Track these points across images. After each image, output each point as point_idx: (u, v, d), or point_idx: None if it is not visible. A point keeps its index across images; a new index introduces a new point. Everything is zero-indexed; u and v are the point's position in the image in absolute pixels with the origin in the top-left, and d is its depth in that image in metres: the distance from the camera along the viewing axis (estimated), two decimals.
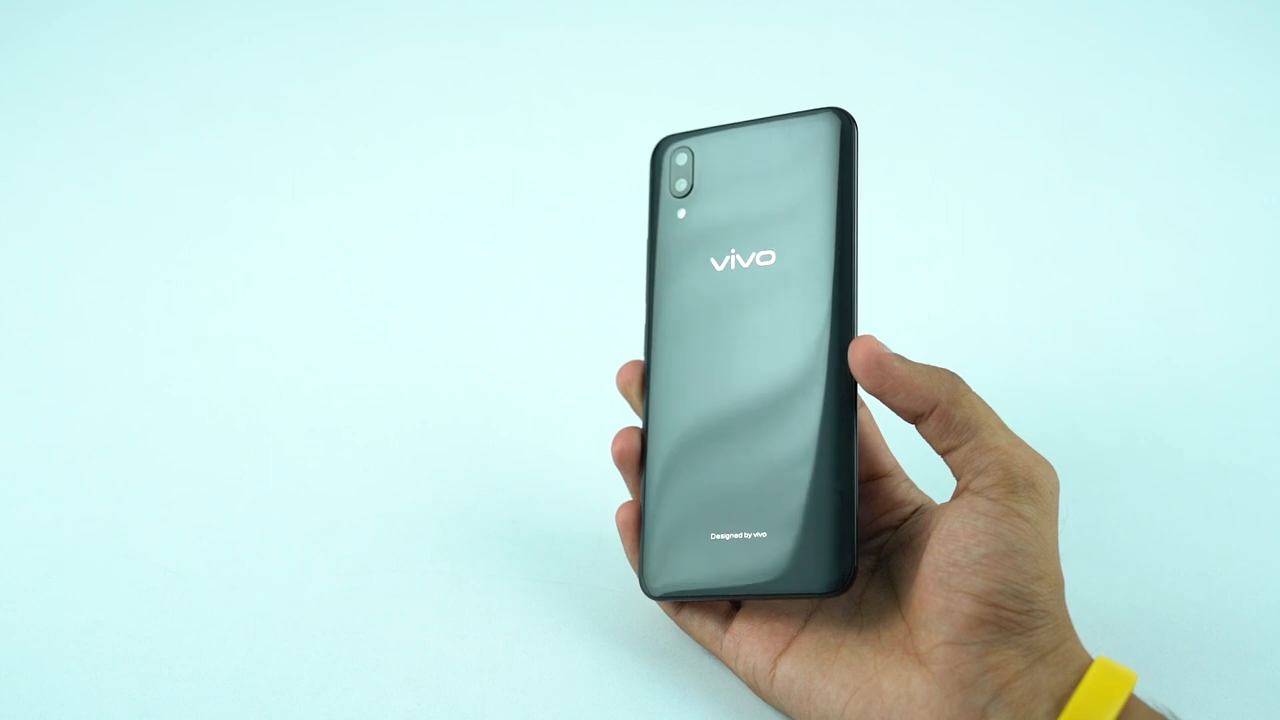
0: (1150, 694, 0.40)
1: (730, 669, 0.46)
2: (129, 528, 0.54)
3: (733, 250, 0.47)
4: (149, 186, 0.73)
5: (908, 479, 0.47)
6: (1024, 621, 0.39)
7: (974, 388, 0.43)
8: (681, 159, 0.48)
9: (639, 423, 0.48)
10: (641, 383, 0.47)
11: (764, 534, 0.43)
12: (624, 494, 0.51)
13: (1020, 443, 0.42)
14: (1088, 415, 0.58)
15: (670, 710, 0.46)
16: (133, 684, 0.47)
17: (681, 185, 0.48)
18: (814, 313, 0.44)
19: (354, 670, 0.48)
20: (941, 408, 0.42)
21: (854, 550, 0.42)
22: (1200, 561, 0.51)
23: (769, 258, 0.46)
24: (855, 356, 0.43)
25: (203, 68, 0.81)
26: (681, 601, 0.46)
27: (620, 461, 0.47)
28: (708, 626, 0.46)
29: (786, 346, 0.44)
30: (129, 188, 0.73)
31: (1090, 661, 0.40)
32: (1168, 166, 0.72)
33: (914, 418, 0.43)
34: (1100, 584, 0.49)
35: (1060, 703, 0.39)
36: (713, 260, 0.47)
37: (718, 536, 0.44)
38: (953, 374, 0.43)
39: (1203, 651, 0.47)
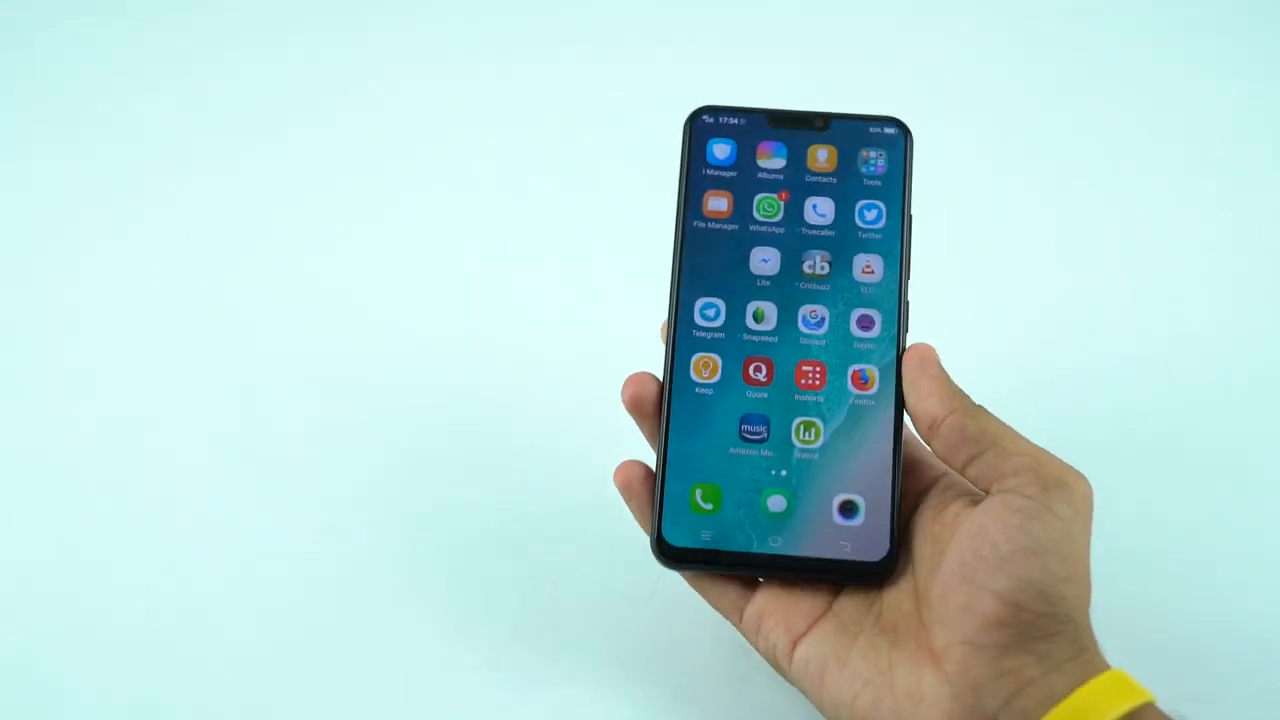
0: (1178, 709, 0.39)
1: (749, 642, 0.44)
2: (129, 528, 0.54)
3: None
4: (149, 186, 0.73)
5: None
6: (1045, 625, 0.38)
7: (974, 387, 0.43)
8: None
9: (648, 425, 0.45)
10: (656, 400, 0.44)
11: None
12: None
13: (1048, 452, 0.41)
14: (1088, 415, 0.58)
15: (671, 710, 0.46)
16: (133, 684, 0.47)
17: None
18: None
19: (354, 670, 0.48)
20: (957, 415, 0.42)
21: (897, 534, 0.43)
22: (1200, 561, 0.51)
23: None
24: (912, 354, 0.44)
25: (203, 68, 0.81)
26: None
27: (634, 407, 0.44)
28: (728, 595, 0.44)
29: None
30: (129, 187, 0.73)
31: (1106, 669, 0.39)
32: (1168, 166, 0.72)
33: (929, 425, 0.43)
34: (1100, 584, 0.49)
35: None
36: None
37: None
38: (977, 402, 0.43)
39: (1203, 652, 0.47)
